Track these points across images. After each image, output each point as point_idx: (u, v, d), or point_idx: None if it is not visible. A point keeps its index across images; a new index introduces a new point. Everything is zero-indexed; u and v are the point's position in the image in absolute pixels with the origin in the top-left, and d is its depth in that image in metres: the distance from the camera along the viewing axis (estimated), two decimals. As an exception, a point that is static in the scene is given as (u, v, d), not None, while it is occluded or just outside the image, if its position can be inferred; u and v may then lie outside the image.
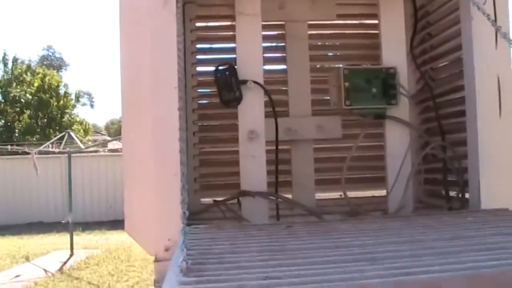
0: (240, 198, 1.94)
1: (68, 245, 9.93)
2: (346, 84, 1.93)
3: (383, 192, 2.20)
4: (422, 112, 2.26)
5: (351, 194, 2.17)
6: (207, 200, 2.17)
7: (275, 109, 2.01)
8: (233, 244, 1.17)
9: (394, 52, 2.01)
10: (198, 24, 2.19)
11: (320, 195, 2.29)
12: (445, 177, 2.01)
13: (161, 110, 1.64)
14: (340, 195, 2.12)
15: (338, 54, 2.35)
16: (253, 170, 1.94)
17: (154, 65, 1.66)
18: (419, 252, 1.01)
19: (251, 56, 1.95)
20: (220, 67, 1.93)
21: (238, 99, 1.90)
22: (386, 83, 1.95)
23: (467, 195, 1.87)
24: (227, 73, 1.89)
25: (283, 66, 2.27)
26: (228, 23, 2.17)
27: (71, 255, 9.64)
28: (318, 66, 2.36)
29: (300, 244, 1.16)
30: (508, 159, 1.79)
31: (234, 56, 1.98)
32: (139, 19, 1.75)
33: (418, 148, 2.16)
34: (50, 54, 43.32)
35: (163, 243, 1.62)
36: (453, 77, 2.06)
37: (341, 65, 1.94)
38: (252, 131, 1.92)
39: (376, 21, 2.10)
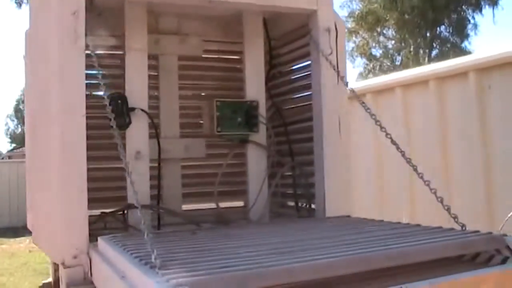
0: (127, 210, 2.22)
1: None
2: (218, 113, 2.32)
3: (241, 204, 2.63)
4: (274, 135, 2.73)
5: (214, 205, 2.55)
6: (94, 212, 2.39)
7: (158, 132, 2.32)
8: (166, 247, 1.48)
9: (256, 86, 2.45)
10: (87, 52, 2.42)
11: (186, 206, 2.63)
12: (295, 191, 2.48)
13: (70, 136, 1.88)
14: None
15: (204, 83, 2.71)
16: (139, 186, 2.23)
17: (64, 95, 1.89)
18: (309, 247, 1.42)
19: (139, 87, 2.25)
20: (113, 95, 2.19)
21: (127, 124, 2.18)
22: (249, 114, 2.37)
23: (313, 206, 2.35)
24: (119, 101, 2.16)
25: (156, 93, 2.59)
26: (114, 52, 2.42)
27: None
28: (188, 94, 2.70)
29: (220, 245, 1.51)
30: (344, 175, 2.31)
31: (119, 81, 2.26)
32: (48, 51, 1.96)
33: (273, 167, 2.61)
34: None
35: (71, 252, 1.86)
36: (300, 110, 2.55)
37: (214, 98, 2.32)
38: (138, 151, 2.22)
39: (237, 57, 2.52)
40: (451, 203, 1.85)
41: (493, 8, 24.14)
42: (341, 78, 2.20)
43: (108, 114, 2.18)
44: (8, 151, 28.73)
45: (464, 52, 25.89)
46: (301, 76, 2.54)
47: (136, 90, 2.24)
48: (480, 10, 24.68)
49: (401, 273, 1.31)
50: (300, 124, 2.50)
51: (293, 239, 1.58)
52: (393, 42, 26.81)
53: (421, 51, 26.39)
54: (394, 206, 3.91)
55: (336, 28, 2.29)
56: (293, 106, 2.66)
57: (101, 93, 2.31)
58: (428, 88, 3.78)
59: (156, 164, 2.42)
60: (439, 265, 1.39)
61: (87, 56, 1.92)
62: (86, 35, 1.93)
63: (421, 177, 1.73)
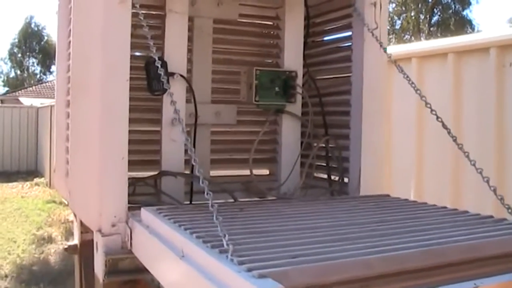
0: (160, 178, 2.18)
1: None
2: (256, 82, 2.26)
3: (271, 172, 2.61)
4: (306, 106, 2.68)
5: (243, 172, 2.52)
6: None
7: (196, 99, 2.26)
8: (227, 226, 1.44)
9: (294, 55, 2.39)
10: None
11: (214, 172, 2.60)
12: (327, 164, 2.44)
13: (113, 102, 1.82)
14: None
15: (240, 49, 2.63)
16: (174, 152, 2.19)
17: (108, 58, 1.82)
18: (372, 233, 1.40)
19: (178, 51, 2.18)
20: (152, 60, 2.12)
21: (165, 90, 2.12)
22: (287, 84, 2.32)
23: (345, 180, 2.33)
24: (158, 66, 2.09)
25: (189, 56, 2.52)
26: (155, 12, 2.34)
27: None
28: (222, 59, 2.63)
29: (276, 226, 1.49)
30: (381, 152, 2.28)
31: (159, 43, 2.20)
32: (92, 12, 1.89)
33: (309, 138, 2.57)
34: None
35: (110, 219, 1.82)
36: (337, 82, 2.50)
37: (254, 66, 2.26)
38: (175, 118, 2.16)
39: (275, 23, 2.45)
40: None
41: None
42: (386, 54, 2.15)
43: (146, 78, 2.15)
44: (1, 95, 28.49)
45: (465, 20, 25.70)
46: (338, 47, 2.48)
47: (176, 55, 2.18)
48: (484, -22, 24.46)
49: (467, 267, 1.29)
50: (335, 96, 2.46)
51: (348, 222, 1.56)
52: (393, 5, 26.58)
53: (422, 17, 26.19)
54: (434, 187, 3.83)
55: (380, 2, 2.23)
56: (328, 77, 2.60)
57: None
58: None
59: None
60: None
61: (133, 15, 1.85)
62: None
63: (474, 165, 1.70)
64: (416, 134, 3.88)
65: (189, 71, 2.47)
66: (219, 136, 2.60)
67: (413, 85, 1.96)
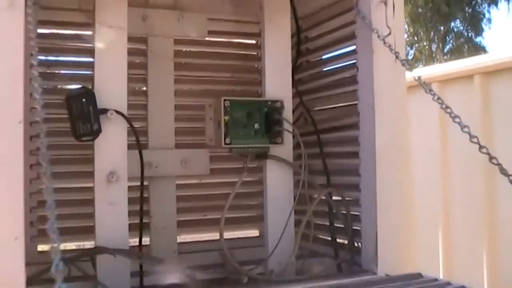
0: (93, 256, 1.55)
1: None
2: (226, 118, 1.64)
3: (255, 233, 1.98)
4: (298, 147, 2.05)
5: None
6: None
7: (140, 142, 1.64)
8: None
9: (279, 80, 1.76)
10: (40, 31, 1.75)
11: (183, 238, 1.98)
12: (331, 223, 1.80)
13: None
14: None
15: (209, 76, 2.03)
16: (112, 220, 1.57)
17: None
18: None
19: (114, 79, 1.57)
20: (74, 92, 1.52)
21: (96, 133, 1.51)
22: (270, 118, 1.69)
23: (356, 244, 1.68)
24: (83, 100, 1.49)
25: (142, 87, 1.92)
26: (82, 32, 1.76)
27: None
28: (187, 90, 2.03)
29: None
30: (404, 207, 1.64)
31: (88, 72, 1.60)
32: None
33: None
34: None
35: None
36: (340, 113, 1.88)
37: (222, 97, 1.63)
38: (112, 172, 1.54)
39: (254, 41, 1.84)
40: None
41: (508, 2, 23.57)
42: (404, 67, 1.53)
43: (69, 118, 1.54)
44: None
45: (478, 47, 25.32)
46: (340, 67, 1.86)
47: (111, 84, 1.56)
48: (496, 4, 24.15)
49: None
50: (339, 132, 1.83)
51: None
52: (405, 36, 26.22)
53: (435, 46, 25.77)
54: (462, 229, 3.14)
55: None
56: (328, 107, 1.98)
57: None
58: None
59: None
60: None
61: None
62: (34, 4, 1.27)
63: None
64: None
65: (144, 107, 1.88)
66: (188, 191, 1.98)
67: (444, 107, 1.33)
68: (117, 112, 1.54)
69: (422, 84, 1.32)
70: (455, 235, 3.16)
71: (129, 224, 1.60)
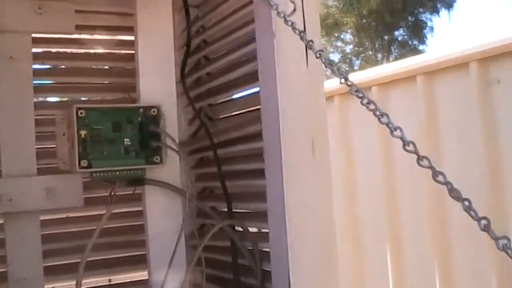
0: None
1: None
2: (83, 133, 1.23)
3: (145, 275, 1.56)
4: (198, 165, 1.65)
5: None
6: None
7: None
8: None
9: (157, 82, 1.36)
10: None
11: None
12: (235, 261, 1.41)
13: None
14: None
15: (76, 82, 1.61)
16: None
17: None
18: None
19: None
20: None
21: None
22: (146, 131, 1.28)
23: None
24: None
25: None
26: None
27: None
28: (51, 101, 1.62)
29: None
30: (324, 239, 1.25)
31: None
32: None
33: (194, 219, 1.53)
34: None
35: None
36: (246, 118, 1.49)
37: (74, 104, 1.22)
38: None
39: (128, 37, 1.44)
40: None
41: (449, 11, 23.97)
42: (316, 54, 1.13)
43: None
44: None
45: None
46: (240, 61, 1.46)
47: None
48: (438, 12, 24.56)
49: None
50: (242, 145, 1.43)
51: None
52: (351, 46, 26.25)
53: (380, 55, 25.97)
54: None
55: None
56: (234, 113, 1.59)
57: None
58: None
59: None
60: None
61: None
62: None
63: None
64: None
65: (-6, 124, 1.45)
66: (55, 228, 1.56)
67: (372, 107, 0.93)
68: None
69: (351, 86, 0.93)
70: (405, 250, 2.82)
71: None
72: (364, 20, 24.85)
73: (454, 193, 0.72)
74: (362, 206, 3.07)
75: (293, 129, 1.20)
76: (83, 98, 1.60)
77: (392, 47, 25.87)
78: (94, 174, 1.25)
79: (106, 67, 1.62)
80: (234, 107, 1.57)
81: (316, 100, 1.27)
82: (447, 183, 0.73)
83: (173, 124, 1.35)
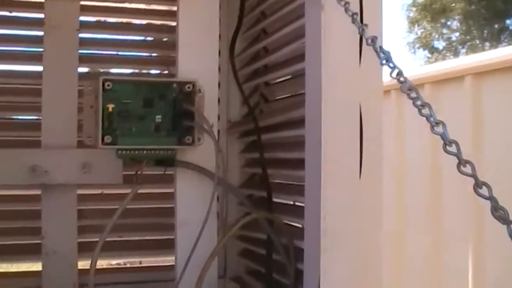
0: None
1: None
2: (110, 106, 1.14)
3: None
4: (249, 150, 1.54)
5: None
6: None
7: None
8: None
9: (197, 56, 1.25)
10: None
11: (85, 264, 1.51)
12: (269, 256, 1.29)
13: None
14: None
15: (122, 54, 1.54)
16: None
17: None
18: None
19: None
20: None
21: None
22: (179, 109, 1.18)
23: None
24: None
25: (38, 68, 1.45)
26: None
27: None
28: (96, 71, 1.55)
29: None
30: (361, 246, 1.10)
31: None
32: None
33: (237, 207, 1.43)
34: None
35: None
36: (290, 104, 1.36)
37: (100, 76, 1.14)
38: None
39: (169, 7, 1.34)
40: None
41: None
42: (367, 40, 0.96)
43: None
44: None
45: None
46: (287, 37, 1.32)
47: None
48: (555, 1, 23.02)
49: None
50: (286, 131, 1.30)
51: None
52: (457, 34, 25.15)
53: (488, 44, 24.73)
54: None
55: None
56: (286, 95, 1.46)
57: None
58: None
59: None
60: None
61: None
62: None
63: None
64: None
65: (37, 92, 1.41)
66: (89, 204, 1.50)
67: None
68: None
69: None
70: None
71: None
72: (474, 7, 23.68)
73: (499, 213, 0.57)
74: (410, 205, 2.86)
75: (336, 119, 1.05)
76: (126, 71, 1.52)
77: (502, 36, 24.56)
78: (120, 152, 1.16)
79: (149, 38, 1.53)
80: (290, 88, 1.44)
81: (368, 90, 1.11)
82: (491, 198, 0.58)
83: (212, 102, 1.24)
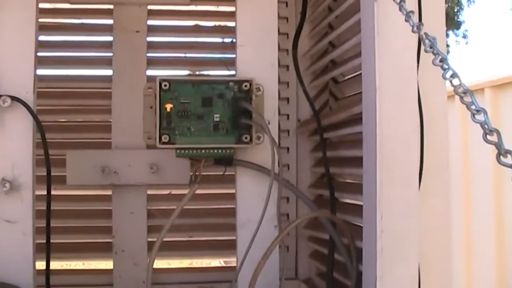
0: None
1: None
2: (168, 106, 1.16)
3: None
4: (316, 149, 1.52)
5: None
6: None
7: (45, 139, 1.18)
8: None
9: (256, 54, 1.24)
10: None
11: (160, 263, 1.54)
12: (331, 254, 1.26)
13: None
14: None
15: (188, 56, 1.56)
16: (10, 246, 1.15)
17: None
18: None
19: (11, 52, 1.15)
20: None
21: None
22: (237, 107, 1.18)
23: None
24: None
25: (108, 72, 1.49)
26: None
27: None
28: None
29: None
30: (419, 244, 1.05)
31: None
32: None
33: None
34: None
35: None
36: (355, 99, 1.32)
37: (157, 77, 1.15)
38: (5, 179, 1.13)
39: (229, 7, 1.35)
40: None
41: None
42: (413, 27, 0.90)
43: None
44: None
45: None
46: (347, 32, 1.28)
47: (7, 64, 1.14)
48: None
49: None
50: (346, 128, 1.26)
51: None
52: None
53: None
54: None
55: None
56: (350, 94, 1.42)
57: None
58: None
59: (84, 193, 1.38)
60: None
61: None
62: None
63: None
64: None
65: (107, 96, 1.46)
66: (157, 205, 1.52)
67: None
68: (14, 98, 1.12)
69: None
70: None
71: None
72: None
73: None
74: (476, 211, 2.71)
75: (392, 115, 1.01)
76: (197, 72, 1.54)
77: None
78: (178, 151, 1.17)
79: (211, 40, 1.54)
80: (358, 84, 1.40)
81: (428, 88, 1.06)
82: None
83: (272, 100, 1.23)
